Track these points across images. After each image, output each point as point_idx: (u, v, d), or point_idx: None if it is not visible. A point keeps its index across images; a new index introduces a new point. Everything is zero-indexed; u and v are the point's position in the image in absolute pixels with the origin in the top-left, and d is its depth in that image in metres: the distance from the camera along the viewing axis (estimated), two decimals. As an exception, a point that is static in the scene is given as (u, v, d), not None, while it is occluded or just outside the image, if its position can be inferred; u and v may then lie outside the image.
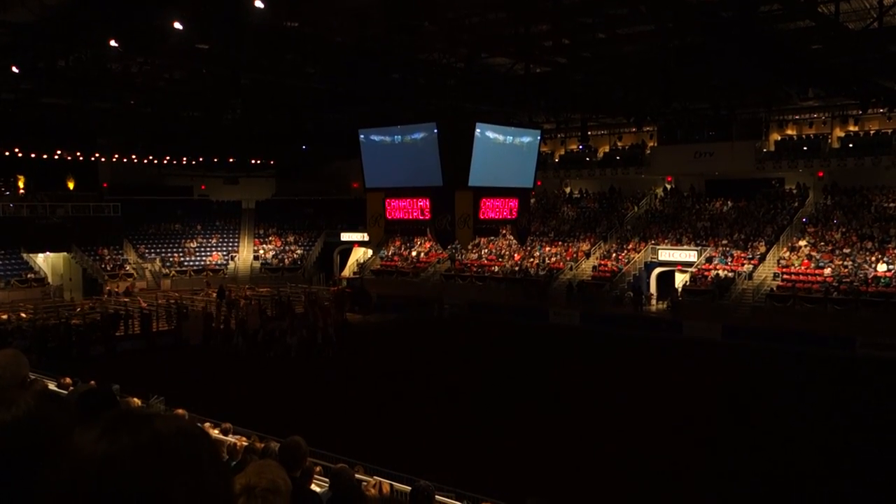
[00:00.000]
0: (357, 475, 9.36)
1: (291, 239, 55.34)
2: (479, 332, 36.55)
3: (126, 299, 39.92)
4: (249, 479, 2.43)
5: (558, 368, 28.49)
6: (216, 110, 34.10)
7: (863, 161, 38.91)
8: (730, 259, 38.96)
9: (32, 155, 44.65)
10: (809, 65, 24.59)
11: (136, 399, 14.75)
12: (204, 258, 52.52)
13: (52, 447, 1.23)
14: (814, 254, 37.13)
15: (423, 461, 15.31)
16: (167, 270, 50.03)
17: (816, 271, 35.73)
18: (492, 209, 21.34)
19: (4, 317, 33.54)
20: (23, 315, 33.33)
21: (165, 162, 51.48)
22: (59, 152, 45.19)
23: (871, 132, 39.96)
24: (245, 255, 53.77)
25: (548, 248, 46.20)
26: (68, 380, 17.50)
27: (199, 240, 53.70)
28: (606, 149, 49.06)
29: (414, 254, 50.50)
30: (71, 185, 51.36)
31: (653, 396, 23.64)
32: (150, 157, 49.82)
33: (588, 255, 44.25)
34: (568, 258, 44.46)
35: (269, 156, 51.53)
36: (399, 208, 21.29)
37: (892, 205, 38.66)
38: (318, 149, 50.32)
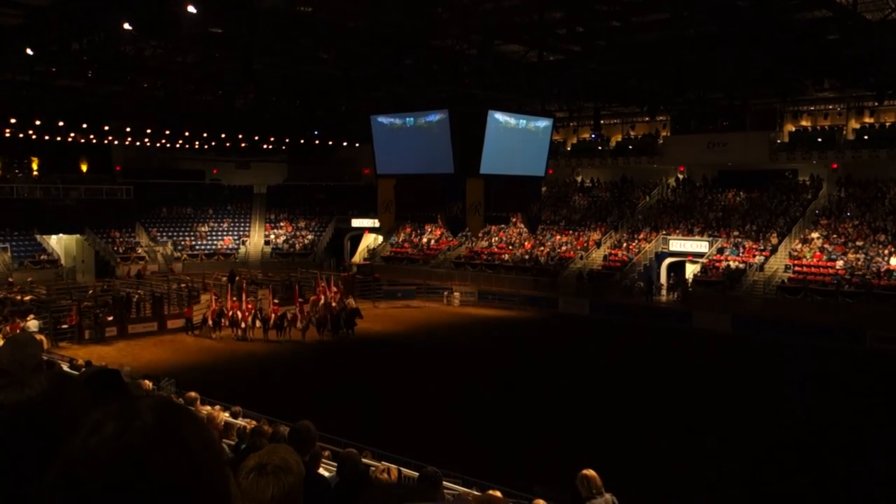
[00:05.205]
0: (365, 460, 9.42)
1: (302, 224, 55.43)
2: (487, 320, 36.62)
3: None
4: (261, 458, 2.46)
5: (566, 357, 28.52)
6: (229, 94, 34.09)
7: (878, 153, 38.57)
8: (741, 250, 38.77)
9: (46, 137, 44.82)
10: (825, 55, 24.35)
11: (147, 381, 14.88)
12: (215, 242, 52.72)
13: (65, 427, 1.24)
14: (826, 246, 36.90)
15: (430, 448, 15.37)
16: (179, 254, 50.26)
17: (828, 264, 35.52)
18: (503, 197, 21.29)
19: (19, 298, 33.83)
20: (26, 298, 33.53)
21: (178, 146, 51.61)
22: (72, 135, 45.35)
23: (887, 124, 39.55)
24: (256, 239, 53.92)
25: (558, 237, 46.12)
26: (80, 361, 17.68)
27: (211, 224, 53.88)
28: (619, 138, 48.83)
29: (425, 240, 50.52)
30: (84, 168, 51.62)
31: (660, 387, 23.63)
32: (163, 141, 49.96)
33: (599, 245, 44.14)
34: (578, 247, 44.37)
35: (281, 141, 51.57)
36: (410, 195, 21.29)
37: (906, 198, 38.36)
38: (330, 134, 50.30)
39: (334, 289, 32.69)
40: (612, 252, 43.07)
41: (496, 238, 47.84)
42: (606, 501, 7.62)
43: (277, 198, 57.17)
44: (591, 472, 7.69)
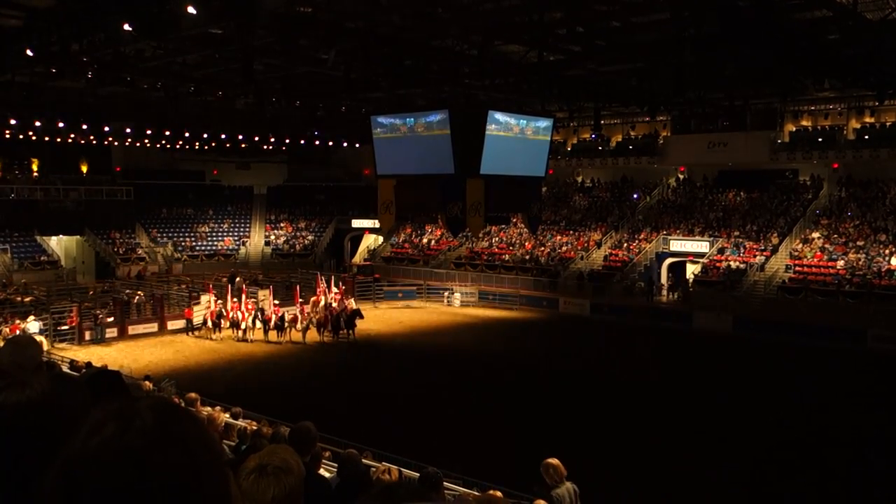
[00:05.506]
0: (365, 461, 9.42)
1: (303, 225, 55.45)
2: (488, 321, 36.60)
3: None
4: (262, 459, 2.47)
5: (567, 357, 28.51)
6: (229, 95, 34.11)
7: (878, 153, 38.57)
8: (742, 250, 38.77)
9: (46, 138, 44.86)
10: (826, 55, 24.33)
11: (147, 382, 14.88)
12: (215, 243, 52.73)
13: (65, 428, 1.24)
14: (827, 246, 36.89)
15: (431, 448, 15.37)
16: (179, 255, 50.26)
17: (829, 264, 35.51)
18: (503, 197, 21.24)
19: (19, 299, 33.85)
20: (27, 300, 33.56)
21: (178, 146, 51.63)
22: (72, 136, 45.39)
23: (888, 124, 39.54)
24: (256, 240, 53.93)
25: (559, 237, 46.11)
26: (81, 362, 17.70)
27: (211, 224, 53.89)
28: (619, 138, 48.81)
29: (425, 241, 50.52)
30: (84, 169, 51.62)
31: (661, 387, 23.62)
32: (163, 142, 49.97)
33: (599, 245, 44.14)
34: (579, 247, 44.36)
35: (281, 141, 51.63)
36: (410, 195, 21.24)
37: (907, 197, 38.34)
38: (330, 135, 50.31)
39: (335, 290, 32.64)
40: (613, 252, 43.07)
41: (497, 238, 47.84)
42: (568, 490, 7.98)
43: (278, 198, 57.19)
44: (554, 461, 8.05)
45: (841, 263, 35.11)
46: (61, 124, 40.21)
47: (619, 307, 37.13)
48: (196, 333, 31.73)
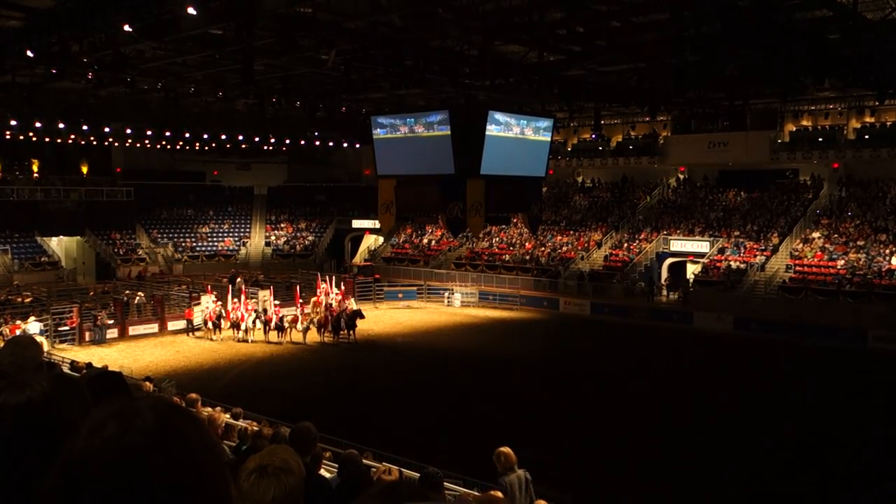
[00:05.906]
0: (366, 461, 9.42)
1: (303, 225, 55.43)
2: (488, 321, 36.58)
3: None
4: (262, 459, 2.47)
5: (567, 358, 28.50)
6: (229, 95, 34.11)
7: (879, 153, 38.59)
8: (742, 250, 38.76)
9: (46, 139, 44.86)
10: (826, 55, 24.33)
11: (147, 383, 14.89)
12: (216, 244, 52.71)
13: (66, 428, 1.24)
14: (827, 246, 36.88)
15: (431, 448, 15.37)
16: (179, 255, 50.25)
17: (829, 263, 35.50)
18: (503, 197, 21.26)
19: (19, 300, 33.83)
20: (27, 300, 33.53)
21: (178, 147, 51.61)
22: (72, 137, 45.39)
23: (888, 123, 39.56)
24: (257, 241, 53.92)
25: (559, 238, 46.10)
26: (82, 363, 17.73)
27: (212, 225, 53.86)
28: (619, 138, 48.82)
29: (425, 241, 50.51)
30: (84, 170, 51.63)
31: (661, 387, 23.61)
32: (163, 142, 49.96)
33: (599, 245, 44.13)
34: (579, 247, 44.36)
35: (282, 142, 51.66)
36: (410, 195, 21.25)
37: (907, 197, 38.33)
38: (331, 135, 50.32)
39: (335, 290, 32.59)
40: (613, 252, 43.06)
41: (497, 239, 47.82)
42: (518, 477, 8.16)
43: (278, 199, 57.19)
44: (506, 449, 8.27)
45: (841, 263, 35.09)
46: (61, 125, 40.19)
47: (619, 307, 37.14)
48: (196, 334, 31.73)
